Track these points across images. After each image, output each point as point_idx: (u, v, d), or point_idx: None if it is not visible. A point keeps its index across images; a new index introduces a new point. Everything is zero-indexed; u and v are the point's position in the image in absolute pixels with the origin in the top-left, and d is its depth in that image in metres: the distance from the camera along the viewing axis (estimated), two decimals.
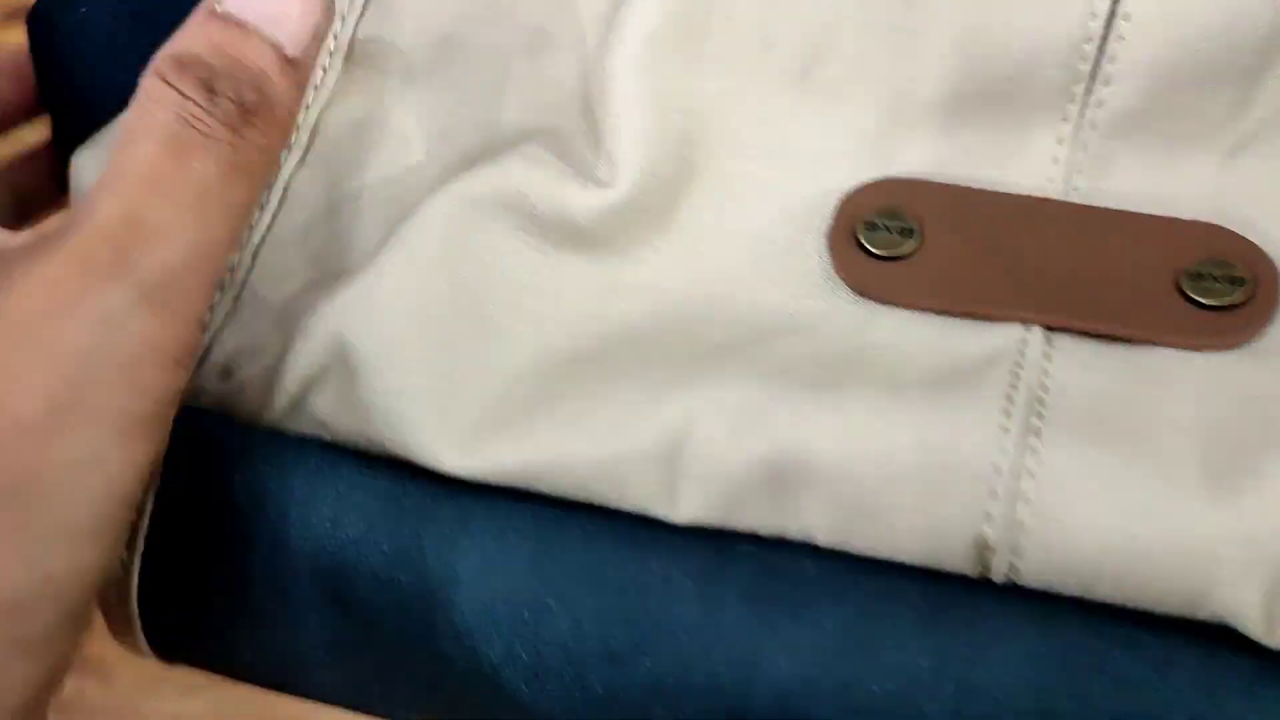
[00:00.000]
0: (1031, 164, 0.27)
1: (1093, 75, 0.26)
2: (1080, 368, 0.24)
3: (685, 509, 0.24)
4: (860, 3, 0.27)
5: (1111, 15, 0.26)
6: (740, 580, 0.24)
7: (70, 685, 0.24)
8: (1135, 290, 0.25)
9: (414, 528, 0.25)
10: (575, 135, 0.28)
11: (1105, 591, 0.22)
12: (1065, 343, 0.25)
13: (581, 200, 0.26)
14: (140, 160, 0.23)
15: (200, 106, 0.23)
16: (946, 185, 0.27)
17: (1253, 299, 0.25)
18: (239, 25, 0.24)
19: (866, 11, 0.27)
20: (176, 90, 0.23)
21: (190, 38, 0.24)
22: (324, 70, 0.29)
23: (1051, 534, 0.22)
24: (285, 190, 0.28)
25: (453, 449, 0.25)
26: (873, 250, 0.26)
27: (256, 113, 0.24)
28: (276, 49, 0.24)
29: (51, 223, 0.33)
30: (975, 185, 0.27)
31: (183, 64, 0.24)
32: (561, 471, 0.24)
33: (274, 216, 0.28)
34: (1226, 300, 0.25)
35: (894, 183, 0.27)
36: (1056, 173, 0.27)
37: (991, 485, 0.23)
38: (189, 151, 0.23)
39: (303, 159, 0.29)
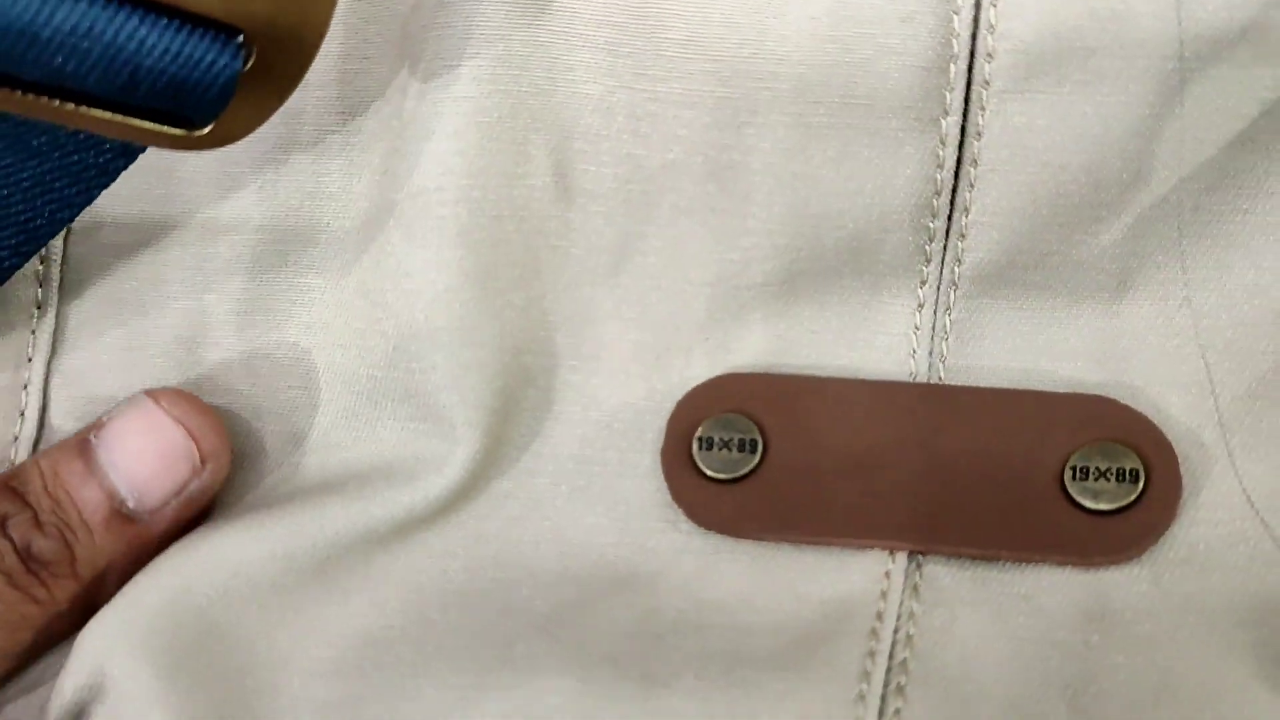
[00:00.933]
0: (889, 338, 0.23)
1: (948, 230, 0.22)
2: (954, 604, 0.21)
3: None
4: (670, 208, 0.23)
5: (959, 162, 0.22)
6: None
7: None
8: (1014, 494, 0.22)
9: None
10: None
11: None
12: (936, 573, 0.22)
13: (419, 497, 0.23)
14: None
15: None
16: (789, 378, 0.23)
17: (1145, 496, 0.21)
18: (86, 463, 0.22)
19: (678, 198, 0.23)
20: None
21: (35, 464, 0.23)
22: None
23: None
24: None
25: None
26: (709, 473, 0.23)
27: (46, 565, 0.22)
28: (112, 499, 0.22)
29: None
30: (825, 373, 0.23)
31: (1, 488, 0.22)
32: None
33: None
34: (1116, 503, 0.21)
35: (730, 380, 0.23)
36: (919, 344, 0.23)
37: None
38: None
39: None
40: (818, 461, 0.22)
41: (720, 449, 0.23)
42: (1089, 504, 0.21)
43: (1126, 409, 0.22)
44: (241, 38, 0.20)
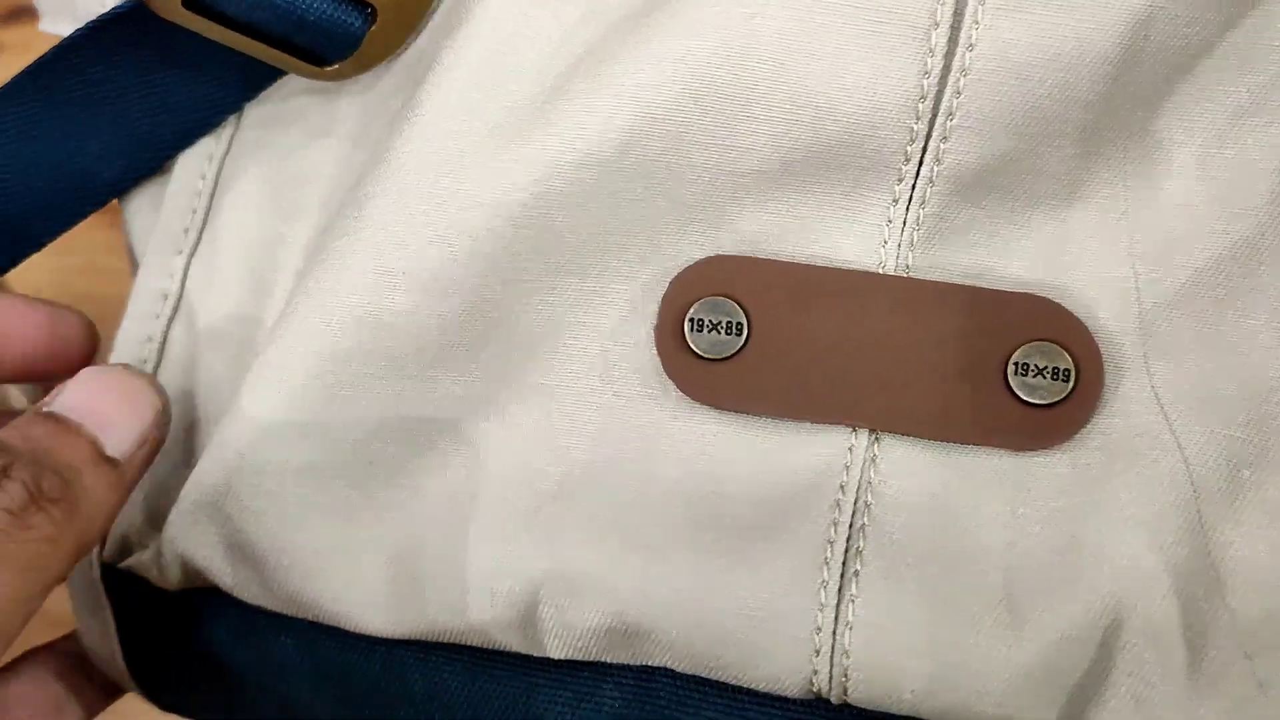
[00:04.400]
0: (864, 227, 0.25)
1: (929, 133, 0.24)
2: (906, 476, 0.25)
3: (555, 653, 0.26)
4: (686, 72, 0.24)
5: (946, 71, 0.24)
6: (610, 703, 0.26)
7: None
8: (963, 383, 0.25)
9: None
10: None
11: (931, 717, 0.25)
12: (892, 448, 0.25)
13: None
14: None
15: None
16: (774, 263, 0.25)
17: (1074, 393, 0.25)
18: (59, 421, 0.24)
19: (689, 80, 0.24)
20: None
21: (7, 431, 0.24)
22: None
23: (874, 685, 0.24)
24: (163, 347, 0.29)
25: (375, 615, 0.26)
26: (699, 353, 0.25)
27: (56, 502, 0.23)
28: (94, 445, 0.24)
29: None
30: (807, 259, 0.26)
31: None
32: (446, 634, 0.26)
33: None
34: (1049, 399, 0.25)
35: (719, 262, 0.26)
36: (891, 237, 0.25)
37: (813, 644, 0.24)
38: None
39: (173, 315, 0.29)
40: (793, 345, 0.25)
41: (710, 330, 0.25)
42: (1027, 397, 0.25)
43: (1064, 311, 0.25)
44: (371, 9, 0.27)
